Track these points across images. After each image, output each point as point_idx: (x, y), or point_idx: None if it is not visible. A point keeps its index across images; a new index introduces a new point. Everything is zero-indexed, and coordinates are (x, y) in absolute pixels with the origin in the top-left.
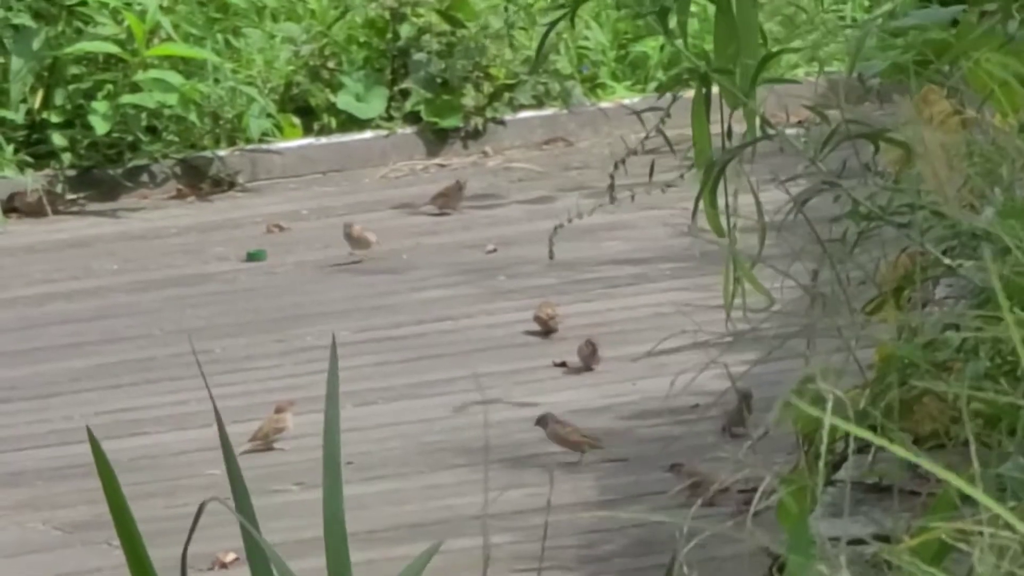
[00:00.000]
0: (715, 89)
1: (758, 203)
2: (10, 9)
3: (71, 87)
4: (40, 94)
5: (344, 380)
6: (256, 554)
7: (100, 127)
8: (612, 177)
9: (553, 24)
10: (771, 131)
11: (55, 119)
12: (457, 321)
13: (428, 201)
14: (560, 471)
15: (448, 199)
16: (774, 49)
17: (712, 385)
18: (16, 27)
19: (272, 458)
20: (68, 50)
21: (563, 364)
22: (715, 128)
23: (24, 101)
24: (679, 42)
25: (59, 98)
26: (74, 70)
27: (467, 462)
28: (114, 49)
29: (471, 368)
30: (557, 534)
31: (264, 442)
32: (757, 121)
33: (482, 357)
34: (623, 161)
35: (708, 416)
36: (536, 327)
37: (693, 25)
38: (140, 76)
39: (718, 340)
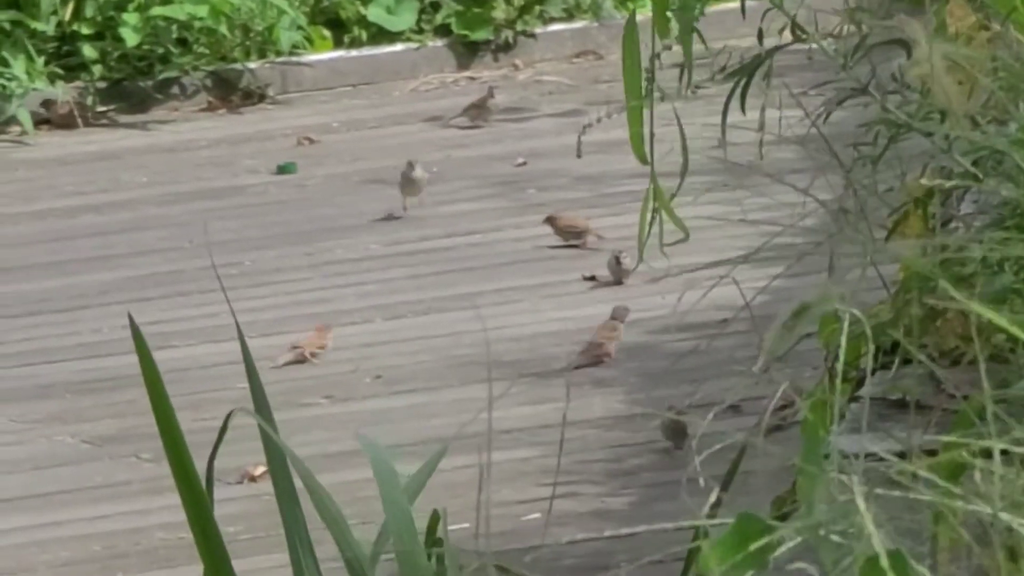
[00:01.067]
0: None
1: (681, 130)
2: None
3: None
4: (71, 6)
5: (373, 294)
6: (279, 468)
7: (131, 39)
8: (651, 63)
9: None
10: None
11: (86, 31)
12: (486, 234)
13: (459, 113)
14: (589, 385)
15: (480, 110)
16: None
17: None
18: None
19: (302, 371)
20: None
21: (592, 278)
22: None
23: (55, 13)
24: None
25: (90, 10)
26: None
27: (497, 376)
28: None
29: (500, 282)
30: (585, 448)
31: (299, 358)
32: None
33: (511, 270)
34: (659, 56)
35: (739, 331)
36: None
37: None
38: None
39: (746, 256)
